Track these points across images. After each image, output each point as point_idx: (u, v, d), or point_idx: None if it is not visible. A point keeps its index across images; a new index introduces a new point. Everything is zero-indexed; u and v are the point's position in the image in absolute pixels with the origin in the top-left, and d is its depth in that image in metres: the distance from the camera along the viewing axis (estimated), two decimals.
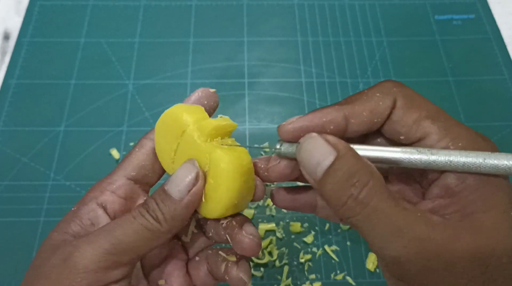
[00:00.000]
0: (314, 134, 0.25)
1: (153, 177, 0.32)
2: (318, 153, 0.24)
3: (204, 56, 0.62)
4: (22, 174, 0.52)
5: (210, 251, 0.31)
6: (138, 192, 0.31)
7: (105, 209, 0.29)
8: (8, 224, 0.49)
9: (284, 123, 0.27)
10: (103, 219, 0.29)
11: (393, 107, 0.25)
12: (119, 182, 0.30)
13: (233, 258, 0.30)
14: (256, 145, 0.30)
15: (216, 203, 0.27)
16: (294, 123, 0.26)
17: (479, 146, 0.24)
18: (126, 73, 0.61)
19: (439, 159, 0.24)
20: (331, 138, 0.24)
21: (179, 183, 0.27)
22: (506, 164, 0.23)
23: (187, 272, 0.32)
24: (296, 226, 0.49)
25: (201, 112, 0.29)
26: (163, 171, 0.32)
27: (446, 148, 0.24)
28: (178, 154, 0.29)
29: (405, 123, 0.25)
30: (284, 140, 0.27)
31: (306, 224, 0.50)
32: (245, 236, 0.28)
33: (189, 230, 0.32)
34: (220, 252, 0.30)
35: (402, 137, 0.26)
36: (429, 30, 0.65)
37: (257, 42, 0.64)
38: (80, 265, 0.25)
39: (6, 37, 0.64)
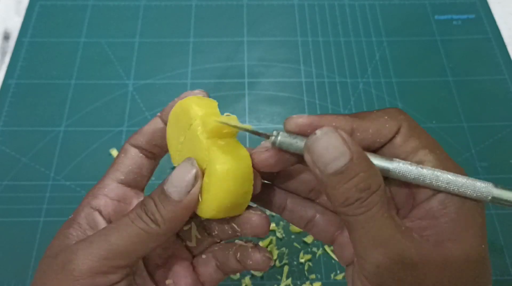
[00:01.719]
0: (331, 128, 0.25)
1: (142, 180, 0.32)
2: (333, 150, 0.24)
3: (204, 56, 0.62)
4: (22, 174, 0.52)
5: (216, 248, 0.32)
6: (130, 194, 0.31)
7: (100, 212, 0.29)
8: (8, 224, 0.49)
9: (293, 115, 0.27)
10: (101, 222, 0.29)
11: (397, 132, 0.27)
12: (110, 185, 0.30)
13: (251, 244, 0.30)
14: (260, 131, 0.29)
15: (209, 203, 0.27)
16: (304, 117, 0.27)
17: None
18: (126, 73, 0.61)
19: (427, 172, 0.25)
20: (347, 137, 0.25)
21: (178, 183, 0.27)
22: (483, 188, 0.25)
23: (194, 270, 0.32)
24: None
25: (213, 107, 0.29)
26: (152, 173, 0.32)
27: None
28: (183, 147, 0.29)
29: (404, 149, 0.27)
30: (287, 132, 0.27)
31: None
32: (253, 214, 0.29)
33: (192, 235, 0.32)
34: (236, 242, 0.31)
35: None
36: (429, 30, 0.65)
37: (257, 42, 0.64)
38: (77, 271, 0.25)
39: (6, 37, 0.64)
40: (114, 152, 0.54)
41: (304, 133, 0.26)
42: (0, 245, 0.48)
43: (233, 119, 0.28)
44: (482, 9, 0.67)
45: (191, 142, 0.28)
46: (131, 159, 0.31)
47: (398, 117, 0.27)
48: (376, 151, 0.28)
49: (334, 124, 0.26)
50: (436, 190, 0.26)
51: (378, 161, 0.26)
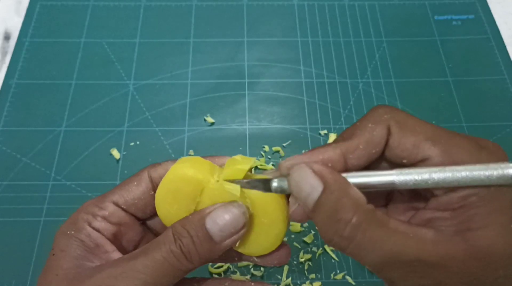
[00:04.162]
0: (302, 164, 0.25)
1: (143, 217, 0.31)
2: (306, 184, 0.24)
3: (204, 56, 0.62)
4: (22, 174, 0.53)
5: (196, 284, 0.30)
6: (130, 219, 0.30)
7: (101, 233, 0.29)
8: (8, 224, 0.49)
9: (283, 161, 0.26)
10: (104, 241, 0.28)
11: (389, 134, 0.25)
12: (110, 208, 0.29)
13: (242, 278, 0.30)
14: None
15: (273, 238, 0.28)
16: (292, 160, 0.26)
17: (484, 162, 0.24)
18: (126, 73, 0.61)
19: (436, 177, 0.24)
20: (318, 168, 0.24)
21: (225, 229, 0.26)
22: (500, 172, 0.23)
23: None
24: (296, 226, 0.49)
25: (204, 162, 0.28)
26: (154, 214, 0.31)
27: None
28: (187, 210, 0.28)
29: (404, 148, 0.25)
30: (284, 176, 0.27)
31: (306, 224, 0.50)
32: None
33: None
34: (233, 279, 0.30)
35: (404, 161, 0.25)
36: (429, 30, 0.65)
37: (257, 42, 0.64)
38: None
39: (7, 37, 0.64)
40: (115, 152, 0.54)
41: None
42: (0, 245, 0.48)
43: (245, 161, 0.28)
44: (481, 9, 0.67)
45: (212, 202, 0.27)
46: (142, 192, 0.30)
47: (382, 118, 0.26)
48: (380, 157, 0.26)
49: (321, 157, 0.25)
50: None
51: (375, 178, 0.25)
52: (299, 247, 0.49)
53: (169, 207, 0.28)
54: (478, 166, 0.23)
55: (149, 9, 0.67)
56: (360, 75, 0.61)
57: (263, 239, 0.28)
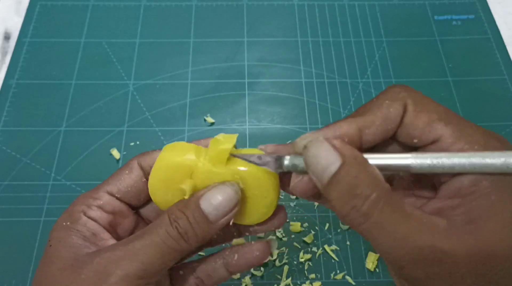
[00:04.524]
0: (320, 138, 0.24)
1: (137, 204, 0.31)
2: (324, 158, 0.24)
3: (204, 56, 0.62)
4: (22, 174, 0.53)
5: (196, 264, 0.31)
6: (124, 208, 0.31)
7: (97, 222, 0.29)
8: (8, 224, 0.49)
9: (298, 138, 0.26)
10: (100, 229, 0.29)
11: (404, 111, 0.25)
12: (105, 198, 0.30)
13: (243, 241, 0.31)
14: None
15: (268, 206, 0.29)
16: (309, 137, 0.26)
17: (495, 149, 0.24)
18: (126, 73, 0.61)
19: (455, 162, 0.23)
20: (337, 143, 0.24)
21: (219, 208, 0.27)
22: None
23: (171, 282, 0.31)
24: (296, 226, 0.49)
25: (189, 146, 0.29)
26: (148, 200, 0.31)
27: (462, 150, 0.24)
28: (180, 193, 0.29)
29: (417, 127, 0.25)
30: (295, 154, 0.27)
31: (306, 224, 0.50)
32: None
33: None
34: (233, 242, 0.31)
35: (415, 140, 0.25)
36: (429, 30, 0.65)
37: (257, 42, 0.64)
38: None
39: (7, 37, 0.64)
40: (115, 152, 0.54)
41: None
42: (0, 245, 0.48)
43: (227, 139, 0.28)
44: (481, 9, 0.67)
45: (204, 183, 0.28)
46: (134, 180, 0.30)
47: (399, 95, 0.26)
48: (391, 137, 0.26)
49: (338, 133, 0.25)
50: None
51: (391, 161, 0.25)
52: (299, 247, 0.49)
53: (164, 195, 0.29)
54: (494, 153, 0.23)
55: (149, 9, 0.67)
56: (360, 75, 0.61)
57: (257, 209, 0.29)
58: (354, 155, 0.24)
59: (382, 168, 0.25)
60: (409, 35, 0.65)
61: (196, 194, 0.28)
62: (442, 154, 0.24)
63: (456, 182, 0.24)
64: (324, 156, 0.24)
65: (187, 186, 0.28)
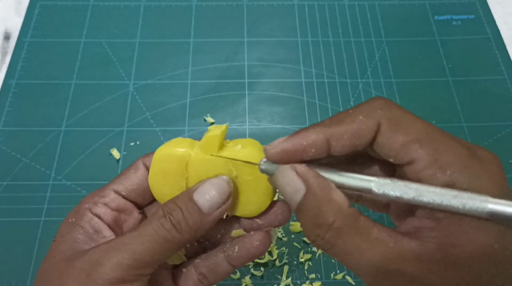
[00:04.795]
0: (286, 166, 0.25)
1: (143, 203, 0.32)
2: (290, 186, 0.25)
3: (204, 56, 0.63)
4: (22, 174, 0.53)
5: (198, 260, 0.31)
6: (130, 206, 0.31)
7: (101, 219, 0.30)
8: (8, 224, 0.50)
9: (267, 147, 0.26)
10: (103, 227, 0.29)
11: (378, 130, 0.25)
12: (111, 196, 0.30)
13: (242, 232, 0.30)
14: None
15: (263, 194, 0.29)
16: (276, 147, 0.26)
17: (473, 174, 0.23)
18: (126, 73, 0.61)
19: (408, 197, 0.23)
20: (302, 170, 0.25)
21: (212, 199, 0.27)
22: (480, 208, 0.22)
23: (173, 281, 0.31)
24: (296, 226, 0.49)
25: (183, 140, 0.30)
26: (154, 200, 0.32)
27: (432, 177, 0.23)
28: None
29: (391, 148, 0.24)
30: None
31: None
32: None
33: (179, 256, 0.32)
34: (233, 234, 0.31)
35: (391, 160, 0.25)
36: (429, 30, 0.65)
37: (257, 42, 0.64)
38: (103, 280, 0.25)
39: (7, 37, 0.64)
40: (115, 152, 0.54)
41: (286, 161, 0.26)
42: (0, 245, 0.48)
43: (217, 128, 0.29)
44: (481, 9, 0.67)
45: (199, 174, 0.29)
46: (139, 179, 0.31)
47: (376, 113, 0.25)
48: (365, 153, 0.26)
49: (305, 143, 0.25)
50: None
51: (354, 182, 0.24)
52: (299, 247, 0.49)
53: (162, 187, 0.30)
54: (454, 192, 0.22)
55: (149, 9, 0.67)
56: (360, 75, 0.61)
57: (253, 198, 0.29)
58: (318, 182, 0.24)
59: (343, 187, 0.25)
60: (409, 35, 0.65)
61: (190, 188, 0.28)
62: (402, 183, 0.23)
63: None
64: (290, 184, 0.25)
65: (182, 178, 0.29)
